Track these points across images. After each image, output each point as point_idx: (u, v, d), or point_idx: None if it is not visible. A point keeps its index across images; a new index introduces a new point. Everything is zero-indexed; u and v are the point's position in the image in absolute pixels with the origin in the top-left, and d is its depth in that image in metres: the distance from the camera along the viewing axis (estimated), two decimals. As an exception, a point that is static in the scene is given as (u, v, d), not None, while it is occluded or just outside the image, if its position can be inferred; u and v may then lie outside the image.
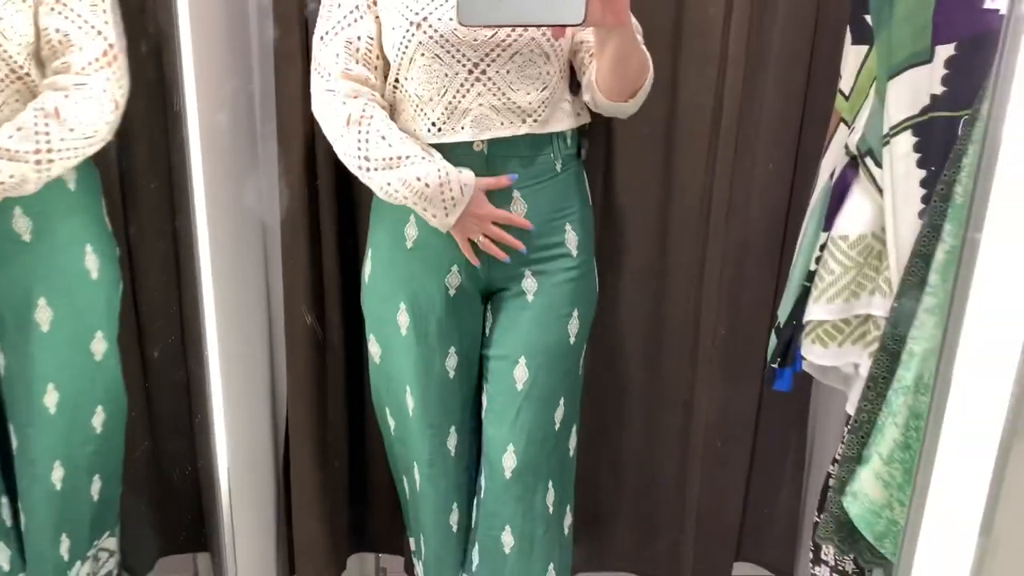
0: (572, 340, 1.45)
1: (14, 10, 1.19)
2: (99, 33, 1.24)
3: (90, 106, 1.23)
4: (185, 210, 1.38)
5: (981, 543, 0.76)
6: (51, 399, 1.34)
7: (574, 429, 1.52)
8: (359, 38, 1.32)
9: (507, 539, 1.48)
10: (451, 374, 1.46)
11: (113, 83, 1.26)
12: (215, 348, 1.44)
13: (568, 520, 1.55)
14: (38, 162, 1.21)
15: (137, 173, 1.52)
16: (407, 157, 1.29)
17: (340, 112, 1.31)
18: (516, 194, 1.37)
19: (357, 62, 1.32)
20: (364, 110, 1.31)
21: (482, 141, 1.33)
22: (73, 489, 1.40)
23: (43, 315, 1.31)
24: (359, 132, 1.30)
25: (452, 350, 1.45)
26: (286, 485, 1.78)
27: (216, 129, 1.45)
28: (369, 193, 1.57)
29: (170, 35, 1.29)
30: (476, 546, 1.56)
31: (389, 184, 1.31)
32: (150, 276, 1.58)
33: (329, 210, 1.62)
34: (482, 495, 1.53)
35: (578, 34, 1.36)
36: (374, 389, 1.54)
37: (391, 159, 1.30)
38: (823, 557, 1.40)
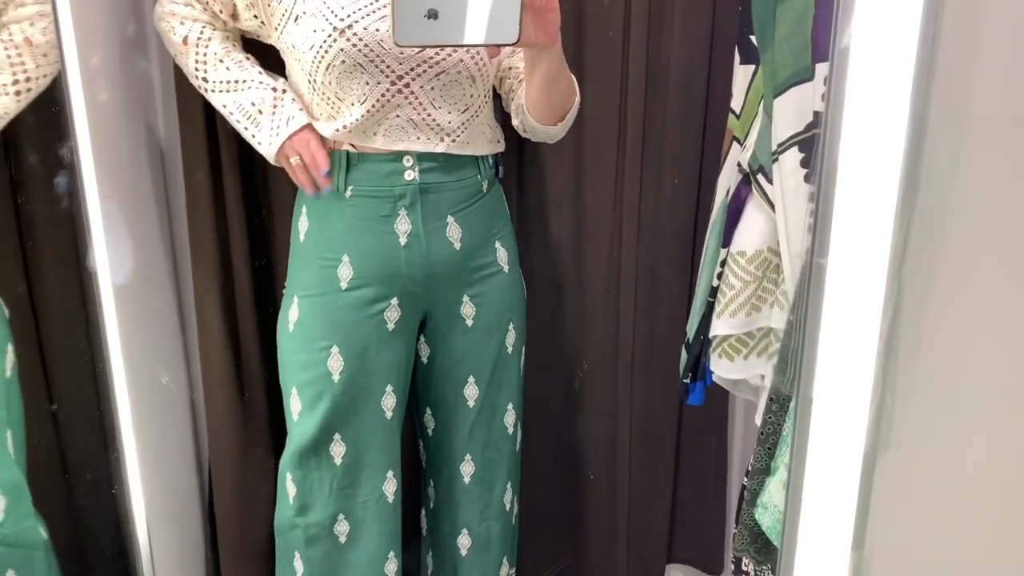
0: (510, 350, 1.50)
1: None
2: None
3: (52, 29, 1.24)
4: (85, 244, 1.34)
5: (855, 557, 0.77)
6: None
7: (520, 426, 1.57)
8: None
9: (463, 541, 1.55)
10: (388, 415, 1.44)
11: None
12: (123, 388, 1.40)
13: (516, 510, 1.63)
14: (17, 92, 1.22)
15: (33, 205, 1.47)
16: (244, 82, 1.33)
17: (178, 31, 1.34)
18: (450, 219, 1.38)
19: (204, 7, 1.34)
20: (202, 32, 1.33)
21: (412, 169, 1.33)
22: None
23: None
24: (196, 53, 1.33)
25: (389, 389, 1.43)
26: (211, 526, 1.75)
27: (115, 159, 1.43)
28: (281, 221, 1.56)
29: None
30: (431, 552, 1.64)
31: (225, 106, 1.34)
32: (54, 315, 1.53)
33: (240, 238, 1.59)
34: (432, 505, 1.60)
35: (505, 60, 1.39)
36: (295, 443, 1.44)
37: (229, 82, 1.33)
38: (744, 568, 1.42)
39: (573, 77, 1.35)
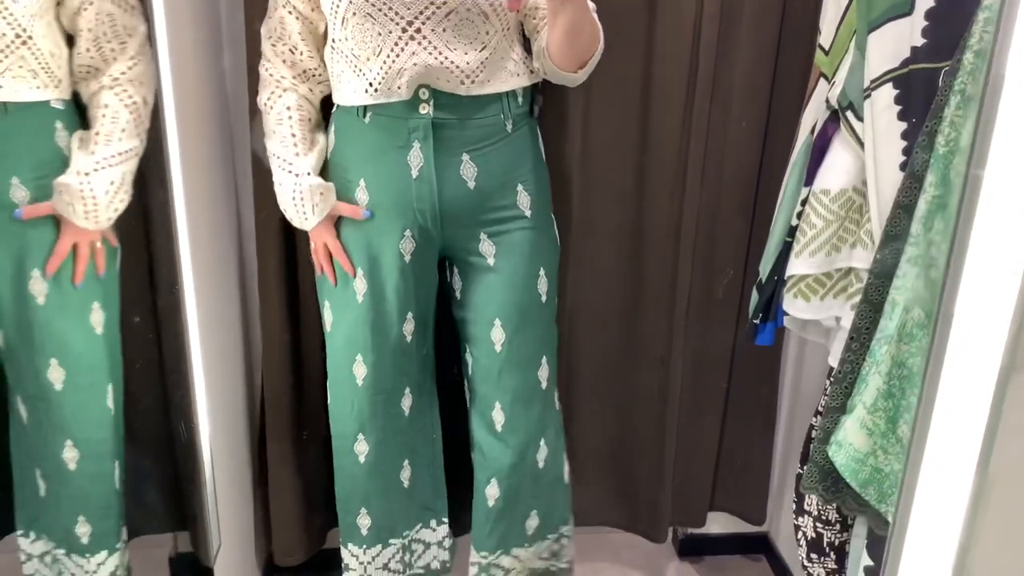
0: (544, 299, 1.48)
1: None
2: (133, 7, 1.24)
3: (155, 81, 1.28)
4: (163, 183, 1.34)
5: (978, 479, 0.77)
6: (56, 375, 1.30)
7: (554, 379, 1.56)
8: (290, 16, 1.36)
9: (491, 492, 1.55)
10: (408, 338, 1.47)
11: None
12: (193, 314, 1.41)
13: (566, 468, 1.62)
14: (141, 152, 1.26)
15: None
16: (277, 157, 1.41)
17: (259, 93, 1.43)
18: (465, 157, 1.36)
19: (288, 39, 1.38)
20: (267, 100, 1.41)
21: (427, 103, 1.32)
22: (92, 473, 1.35)
23: (37, 287, 1.27)
24: (263, 119, 1.44)
25: (409, 315, 1.45)
26: (262, 459, 1.76)
27: (191, 96, 1.42)
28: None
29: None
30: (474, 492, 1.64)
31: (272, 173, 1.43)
32: (123, 239, 1.52)
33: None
34: (472, 445, 1.59)
35: (530, 0, 1.35)
36: (329, 357, 1.52)
37: (271, 155, 1.42)
38: (806, 507, 1.43)
39: (598, 23, 1.33)
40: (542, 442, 1.55)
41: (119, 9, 1.22)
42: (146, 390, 1.64)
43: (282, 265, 1.62)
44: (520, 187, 1.42)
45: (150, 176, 1.40)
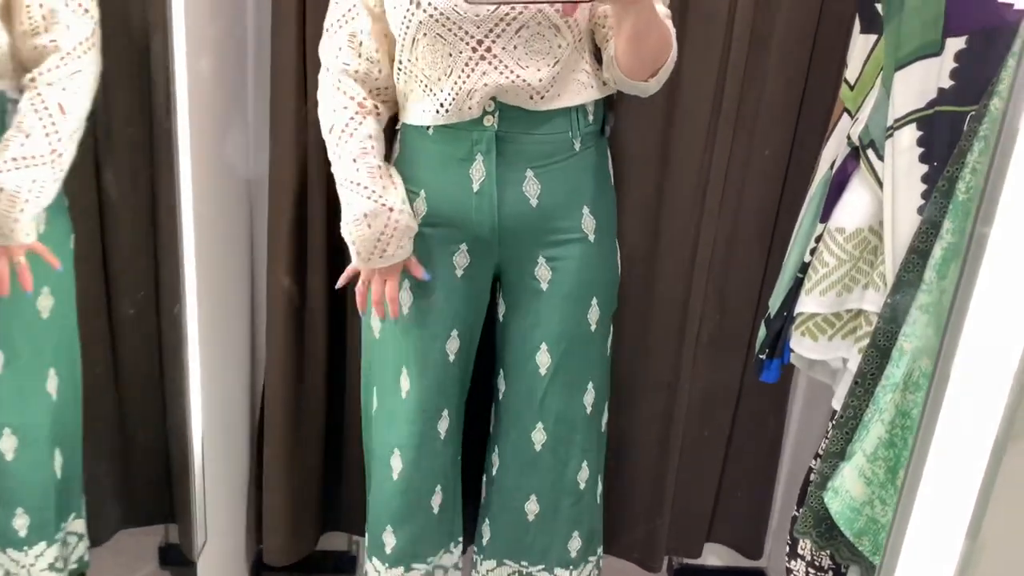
0: (593, 328, 1.43)
1: None
2: (86, 11, 1.19)
3: (86, 91, 1.21)
4: (167, 161, 1.32)
5: (967, 546, 0.74)
6: None
7: (605, 406, 1.53)
8: (361, 31, 1.30)
9: (531, 507, 1.52)
10: (451, 358, 1.43)
11: (98, 61, 1.22)
12: (194, 310, 1.40)
13: (599, 490, 1.59)
14: (53, 162, 1.17)
15: (114, 119, 1.46)
16: (364, 187, 1.29)
17: (329, 117, 1.32)
18: (529, 173, 1.32)
19: (359, 56, 1.31)
20: (347, 125, 1.31)
21: (492, 115, 1.29)
22: (30, 461, 1.30)
23: None
24: (336, 145, 1.32)
25: (455, 333, 1.42)
26: (258, 458, 1.75)
27: (202, 76, 1.41)
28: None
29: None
30: (487, 521, 1.60)
31: (345, 204, 1.32)
32: (121, 228, 1.51)
33: (318, 170, 1.57)
34: (496, 471, 1.56)
35: (599, 7, 1.30)
36: (366, 365, 1.50)
37: (355, 184, 1.30)
38: (799, 551, 1.39)
39: (670, 28, 1.27)
40: (584, 464, 1.52)
41: (63, 5, 1.16)
42: (146, 383, 1.64)
43: (292, 266, 1.61)
44: (586, 209, 1.37)
45: (158, 166, 1.39)
